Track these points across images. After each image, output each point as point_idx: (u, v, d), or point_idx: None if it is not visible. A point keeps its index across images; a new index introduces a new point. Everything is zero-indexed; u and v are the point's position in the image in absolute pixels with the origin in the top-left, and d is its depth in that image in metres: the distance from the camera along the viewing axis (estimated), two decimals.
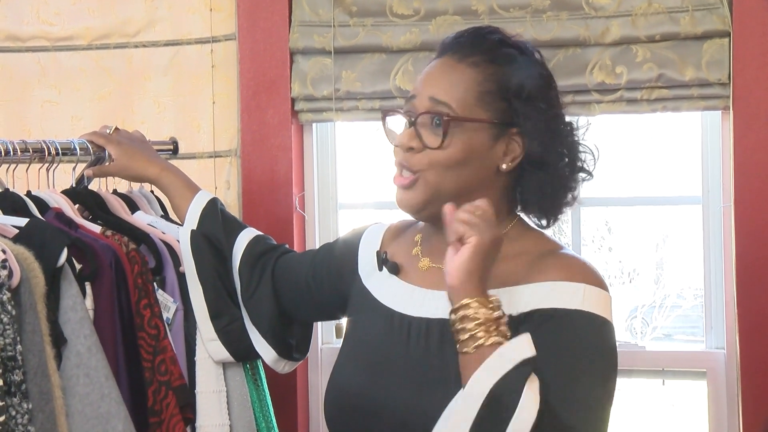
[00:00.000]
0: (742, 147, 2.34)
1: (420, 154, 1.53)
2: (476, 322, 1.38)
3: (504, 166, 1.54)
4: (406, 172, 1.55)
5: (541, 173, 1.54)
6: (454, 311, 1.40)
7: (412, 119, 1.53)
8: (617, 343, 1.53)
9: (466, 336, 1.38)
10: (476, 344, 1.37)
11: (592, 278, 1.49)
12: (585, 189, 2.52)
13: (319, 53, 2.53)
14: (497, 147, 1.53)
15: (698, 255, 2.54)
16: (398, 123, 1.60)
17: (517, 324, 1.46)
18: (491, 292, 1.48)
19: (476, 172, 1.53)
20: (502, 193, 1.57)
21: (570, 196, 1.59)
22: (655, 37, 2.38)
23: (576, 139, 1.58)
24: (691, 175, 2.58)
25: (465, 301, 1.39)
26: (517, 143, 1.53)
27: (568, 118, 1.59)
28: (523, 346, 1.38)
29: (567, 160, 1.57)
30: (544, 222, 1.61)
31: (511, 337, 1.40)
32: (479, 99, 1.52)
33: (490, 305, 1.39)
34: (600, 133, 2.66)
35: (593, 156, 1.60)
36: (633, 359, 2.51)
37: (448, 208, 1.45)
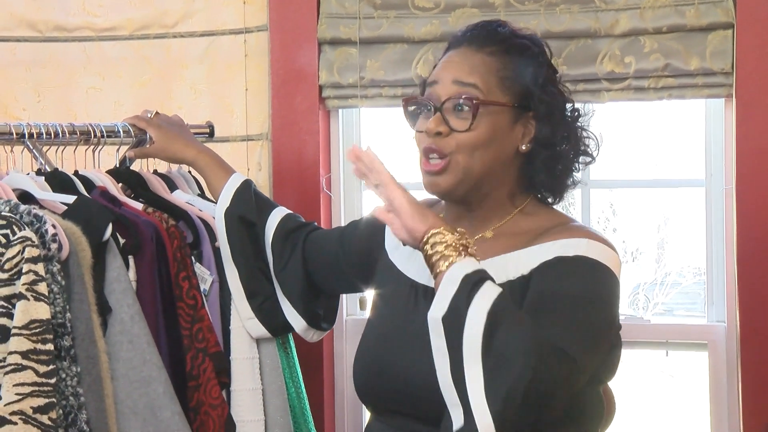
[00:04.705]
0: (744, 133, 2.32)
1: (448, 138, 1.51)
2: (446, 244, 1.38)
3: (523, 147, 1.54)
4: (434, 159, 1.52)
5: (548, 154, 1.54)
6: (425, 242, 1.39)
7: (438, 105, 1.52)
8: (621, 317, 1.51)
9: (438, 257, 1.38)
10: (448, 263, 1.37)
11: (598, 237, 1.48)
12: (592, 172, 2.52)
13: (345, 43, 2.52)
14: (516, 129, 1.53)
15: (697, 235, 2.52)
16: (419, 111, 1.57)
17: (527, 281, 1.46)
18: (499, 258, 1.49)
19: (499, 153, 1.52)
20: (519, 173, 1.57)
21: (573, 176, 1.59)
22: (662, 28, 2.35)
23: (581, 124, 1.58)
24: (695, 159, 2.56)
25: (433, 230, 1.39)
26: (532, 126, 1.53)
27: (575, 105, 1.59)
28: (471, 264, 1.36)
29: (572, 143, 1.57)
30: (549, 200, 1.60)
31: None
32: (499, 84, 1.51)
33: (457, 233, 1.40)
34: (609, 120, 2.64)
35: (596, 141, 1.60)
36: (638, 331, 2.50)
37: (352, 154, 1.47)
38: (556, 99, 1.54)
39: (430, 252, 1.39)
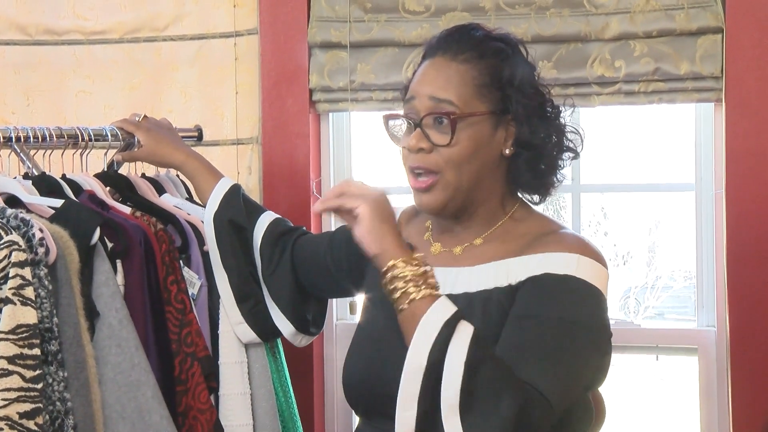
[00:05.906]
0: (734, 137, 2.32)
1: (432, 154, 1.50)
2: (405, 279, 1.38)
3: (507, 151, 1.53)
4: (422, 176, 1.51)
5: (531, 154, 1.53)
6: (382, 275, 1.40)
7: (417, 121, 1.51)
8: (612, 321, 1.50)
9: (399, 294, 1.38)
10: (409, 300, 1.37)
11: (589, 252, 1.47)
12: (583, 176, 2.51)
13: (336, 47, 2.51)
14: (498, 134, 1.52)
15: (688, 239, 2.52)
16: (400, 126, 1.56)
17: (514, 291, 1.45)
18: (489, 265, 1.47)
19: (485, 161, 1.52)
20: (505, 177, 1.55)
21: (558, 174, 1.57)
22: (652, 32, 2.35)
23: (562, 121, 1.57)
24: (685, 163, 2.56)
25: (390, 262, 1.39)
26: (512, 128, 1.52)
27: (554, 102, 1.58)
28: (441, 309, 1.36)
29: (555, 140, 1.55)
30: (535, 198, 1.59)
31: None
32: (476, 92, 1.50)
33: (415, 262, 1.39)
34: (599, 124, 2.64)
35: (580, 136, 1.59)
36: (628, 336, 2.50)
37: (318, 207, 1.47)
38: (534, 99, 1.53)
39: (389, 287, 1.39)
